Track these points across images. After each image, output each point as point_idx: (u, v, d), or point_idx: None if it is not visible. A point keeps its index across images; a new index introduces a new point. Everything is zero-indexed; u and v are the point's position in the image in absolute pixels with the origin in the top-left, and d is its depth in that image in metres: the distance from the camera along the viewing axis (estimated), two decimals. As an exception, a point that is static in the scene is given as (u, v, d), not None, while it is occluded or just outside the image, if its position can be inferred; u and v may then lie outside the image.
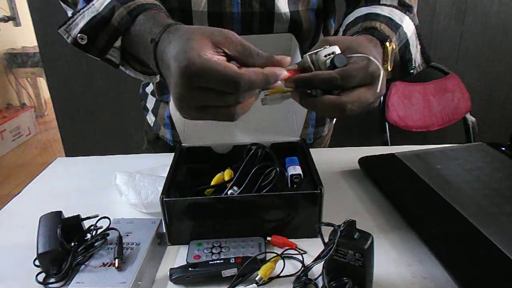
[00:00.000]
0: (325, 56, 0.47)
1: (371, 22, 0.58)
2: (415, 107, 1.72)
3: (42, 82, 3.51)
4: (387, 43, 0.54)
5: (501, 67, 1.83)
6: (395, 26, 0.58)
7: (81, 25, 0.51)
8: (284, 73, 0.44)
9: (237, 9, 0.68)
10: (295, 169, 0.59)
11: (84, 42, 0.51)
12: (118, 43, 0.51)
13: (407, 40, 0.60)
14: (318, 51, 0.47)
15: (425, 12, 1.73)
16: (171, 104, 0.71)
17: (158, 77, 0.60)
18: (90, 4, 0.52)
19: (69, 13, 0.61)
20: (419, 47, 0.62)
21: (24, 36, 3.26)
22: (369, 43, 0.52)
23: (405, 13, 0.62)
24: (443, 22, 1.75)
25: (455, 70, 1.78)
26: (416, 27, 0.62)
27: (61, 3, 0.62)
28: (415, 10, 0.68)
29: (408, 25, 0.60)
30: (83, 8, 0.52)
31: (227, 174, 0.58)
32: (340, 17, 0.73)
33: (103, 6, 0.51)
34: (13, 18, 3.24)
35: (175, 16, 0.59)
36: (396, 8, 0.62)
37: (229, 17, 0.68)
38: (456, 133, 1.82)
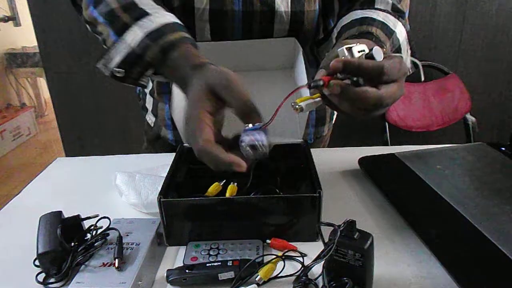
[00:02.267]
0: (359, 51, 0.46)
1: (367, 27, 0.60)
2: (415, 107, 1.72)
3: (42, 82, 3.51)
4: (384, 50, 0.56)
5: (501, 67, 1.83)
6: (389, 32, 0.61)
7: (116, 60, 0.54)
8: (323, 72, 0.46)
9: (238, 7, 0.68)
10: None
11: (120, 75, 0.55)
12: (149, 73, 0.56)
13: (399, 46, 0.62)
14: (351, 46, 0.46)
15: (425, 12, 1.73)
16: (175, 107, 0.71)
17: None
18: (121, 39, 0.54)
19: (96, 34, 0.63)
20: (409, 51, 0.64)
21: (24, 36, 3.26)
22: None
23: (398, 18, 0.64)
24: (443, 22, 1.75)
25: (455, 70, 1.78)
26: (407, 33, 0.64)
27: (89, 27, 0.63)
28: (406, 15, 0.70)
29: (401, 31, 0.62)
30: (115, 42, 0.55)
31: (229, 191, 0.57)
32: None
33: (134, 42, 0.53)
34: (13, 18, 3.25)
35: (177, 14, 0.60)
36: (389, 13, 0.64)
37: (230, 15, 0.68)
38: (456, 133, 1.82)
